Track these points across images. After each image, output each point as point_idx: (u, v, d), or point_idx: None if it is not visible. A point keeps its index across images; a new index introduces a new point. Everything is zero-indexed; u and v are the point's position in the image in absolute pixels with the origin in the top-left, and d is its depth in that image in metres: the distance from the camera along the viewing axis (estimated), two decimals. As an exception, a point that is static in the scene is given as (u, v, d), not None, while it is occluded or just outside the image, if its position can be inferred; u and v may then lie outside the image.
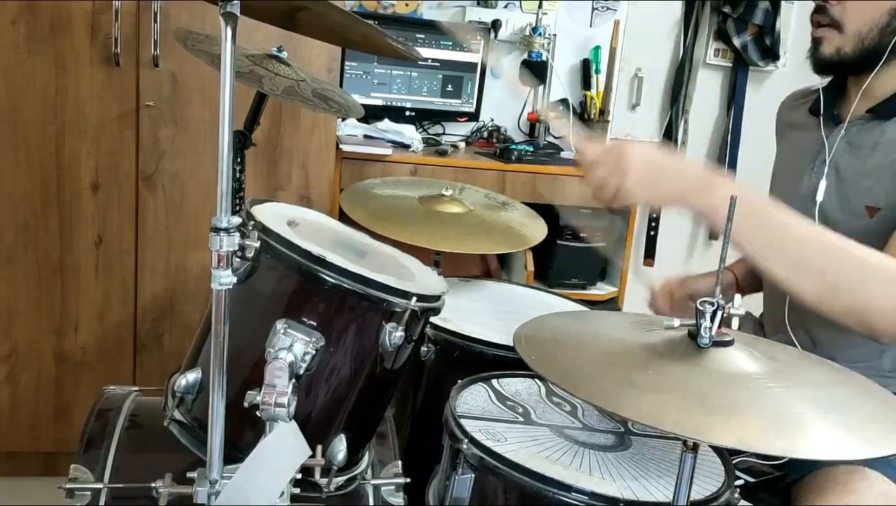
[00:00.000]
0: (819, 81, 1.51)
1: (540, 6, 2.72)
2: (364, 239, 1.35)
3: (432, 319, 1.30)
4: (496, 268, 2.62)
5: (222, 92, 0.96)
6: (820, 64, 1.38)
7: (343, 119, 2.42)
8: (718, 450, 1.13)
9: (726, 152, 3.15)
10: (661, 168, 1.25)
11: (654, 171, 1.25)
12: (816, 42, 1.38)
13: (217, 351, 1.01)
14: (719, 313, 0.90)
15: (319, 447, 1.09)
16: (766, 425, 0.82)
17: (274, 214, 1.19)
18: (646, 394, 0.86)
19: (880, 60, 1.32)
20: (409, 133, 2.52)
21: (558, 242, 2.53)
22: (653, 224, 3.17)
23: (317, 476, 1.09)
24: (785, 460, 1.34)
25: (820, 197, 1.37)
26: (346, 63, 2.56)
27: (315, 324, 1.07)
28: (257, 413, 1.01)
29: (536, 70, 2.69)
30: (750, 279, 1.58)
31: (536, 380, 1.30)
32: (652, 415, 0.82)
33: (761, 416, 0.83)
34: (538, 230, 1.77)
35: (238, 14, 0.95)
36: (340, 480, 1.17)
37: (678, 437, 0.83)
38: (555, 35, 2.87)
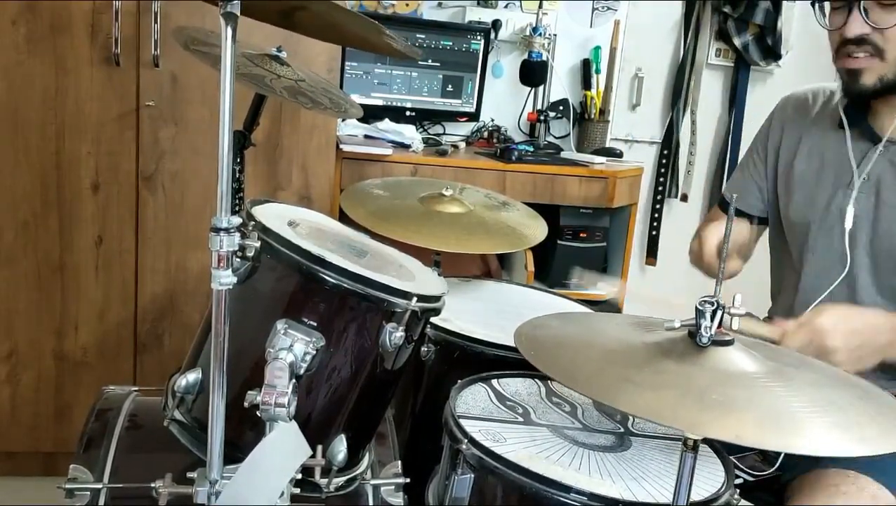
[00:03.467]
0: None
1: (540, 6, 2.72)
2: (364, 239, 1.35)
3: (432, 320, 1.30)
4: (496, 268, 2.61)
5: (222, 92, 0.96)
6: (862, 94, 1.35)
7: (343, 119, 2.42)
8: (718, 450, 1.13)
9: (727, 153, 3.16)
10: (860, 332, 1.24)
11: (858, 340, 1.24)
12: (854, 74, 1.33)
13: (217, 351, 1.00)
14: (719, 313, 0.91)
15: (319, 447, 1.09)
16: (763, 421, 0.82)
17: (274, 215, 1.19)
18: (644, 390, 0.86)
19: None
20: (410, 133, 2.51)
21: (558, 242, 2.53)
22: (654, 223, 3.17)
23: (317, 476, 1.09)
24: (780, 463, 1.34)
25: (849, 220, 1.37)
26: (347, 63, 2.55)
27: (315, 324, 1.07)
28: (257, 413, 1.01)
29: (536, 70, 2.69)
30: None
31: (536, 380, 1.30)
32: (649, 409, 0.82)
33: (759, 412, 0.83)
34: (538, 230, 1.77)
35: (238, 14, 0.96)
36: (340, 480, 1.17)
37: (678, 437, 0.83)
38: (555, 35, 2.87)
